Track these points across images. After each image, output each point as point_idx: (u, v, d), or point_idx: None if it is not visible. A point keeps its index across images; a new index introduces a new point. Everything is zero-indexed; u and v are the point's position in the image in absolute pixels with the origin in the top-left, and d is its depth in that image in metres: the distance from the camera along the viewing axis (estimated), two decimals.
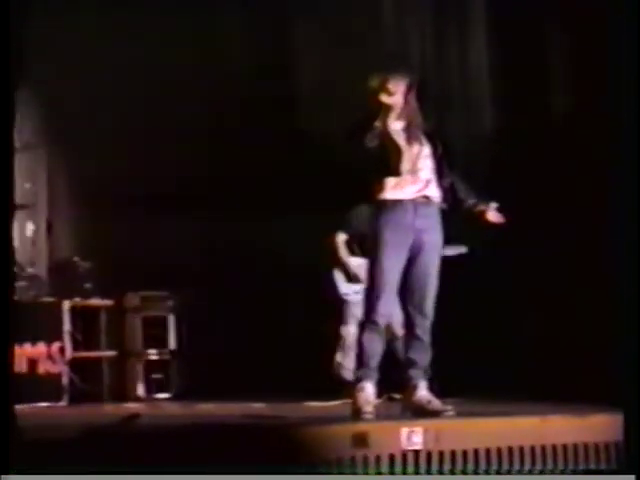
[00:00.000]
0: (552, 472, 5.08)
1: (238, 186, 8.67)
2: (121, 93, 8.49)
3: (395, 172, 5.49)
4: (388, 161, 5.48)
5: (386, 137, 5.51)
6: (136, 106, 8.51)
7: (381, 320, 5.53)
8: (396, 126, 5.57)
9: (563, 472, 5.09)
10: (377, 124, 5.49)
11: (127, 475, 4.19)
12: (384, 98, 5.53)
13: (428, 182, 5.57)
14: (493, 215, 5.72)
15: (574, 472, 5.10)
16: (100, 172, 8.40)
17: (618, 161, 5.19)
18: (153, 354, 8.40)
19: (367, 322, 5.57)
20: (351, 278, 7.33)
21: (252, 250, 8.65)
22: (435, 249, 5.58)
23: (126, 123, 8.52)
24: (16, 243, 8.05)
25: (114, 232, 8.27)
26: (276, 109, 8.89)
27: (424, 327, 5.56)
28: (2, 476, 3.84)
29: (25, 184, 8.38)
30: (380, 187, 5.52)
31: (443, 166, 5.60)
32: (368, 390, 5.54)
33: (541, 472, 5.07)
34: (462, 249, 6.85)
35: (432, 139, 5.62)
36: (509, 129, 8.12)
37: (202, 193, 8.58)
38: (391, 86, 5.52)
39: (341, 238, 7.37)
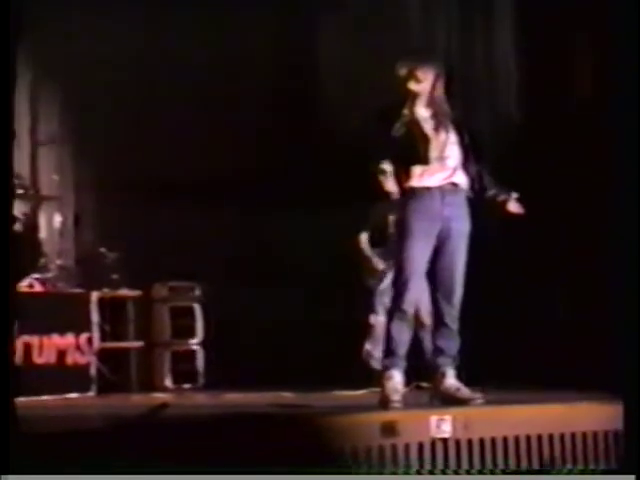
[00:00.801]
0: (552, 472, 5.06)
1: (264, 178, 8.67)
2: (145, 86, 8.51)
3: (423, 160, 5.48)
4: (416, 149, 5.47)
5: (414, 125, 5.50)
6: (161, 99, 8.53)
7: (409, 308, 5.52)
8: (423, 114, 5.56)
9: (563, 472, 5.06)
10: (405, 112, 5.49)
11: (127, 475, 4.17)
12: (412, 85, 5.52)
13: (455, 170, 5.55)
14: (514, 206, 5.70)
15: (574, 472, 5.07)
16: (125, 164, 8.42)
17: None
18: (181, 344, 8.41)
19: (395, 310, 5.56)
20: (372, 270, 7.37)
21: (280, 240, 8.66)
22: (462, 237, 5.56)
23: (151, 115, 8.55)
24: (44, 235, 8.10)
25: (141, 223, 8.29)
26: (299, 106, 8.90)
27: (452, 315, 5.55)
28: (2, 476, 3.83)
29: (52, 176, 8.41)
30: (407, 175, 5.51)
31: (469, 155, 5.59)
32: (396, 379, 5.52)
33: (541, 472, 5.04)
34: None
35: (459, 128, 5.60)
36: (535, 120, 8.08)
37: (228, 185, 8.58)
38: (419, 74, 5.51)
39: (364, 237, 7.44)
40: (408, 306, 5.52)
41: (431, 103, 5.57)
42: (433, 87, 5.56)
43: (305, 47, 9.17)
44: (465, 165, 5.58)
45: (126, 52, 8.52)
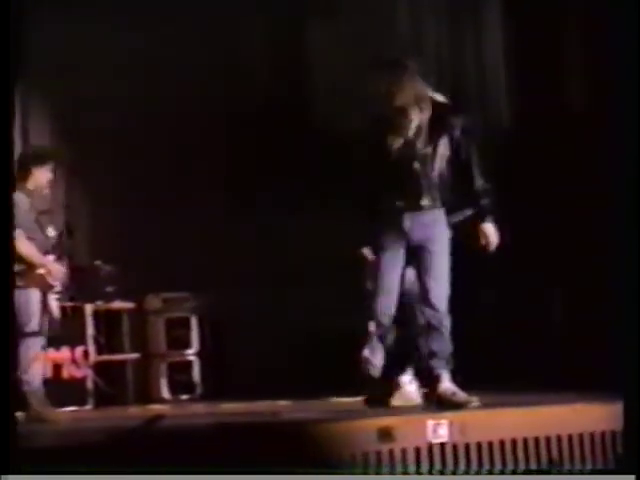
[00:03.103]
0: (552, 472, 5.06)
1: (256, 185, 8.67)
2: (135, 96, 8.51)
3: (398, 133, 5.50)
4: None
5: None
6: (152, 108, 8.53)
7: (385, 319, 5.66)
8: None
9: (564, 472, 5.06)
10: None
11: (128, 475, 4.15)
12: (396, 102, 5.55)
13: (429, 189, 5.58)
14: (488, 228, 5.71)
15: (574, 472, 5.07)
16: (117, 175, 8.43)
17: (634, 155, 5.16)
18: (177, 355, 8.41)
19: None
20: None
21: (274, 248, 8.65)
22: (439, 243, 5.61)
23: (141, 125, 8.55)
24: None
25: (134, 235, 8.29)
26: (291, 109, 8.90)
27: (437, 318, 5.59)
28: (2, 476, 3.83)
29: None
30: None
31: (451, 167, 5.62)
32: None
33: (539, 472, 5.04)
34: (467, 212, 6.88)
35: (451, 139, 5.62)
36: (525, 122, 8.09)
37: (220, 193, 8.59)
38: (396, 90, 5.53)
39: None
40: (383, 317, 5.69)
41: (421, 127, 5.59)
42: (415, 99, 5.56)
43: (300, 51, 9.16)
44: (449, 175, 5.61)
45: (117, 65, 8.53)
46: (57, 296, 6.77)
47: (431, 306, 5.60)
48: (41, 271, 6.57)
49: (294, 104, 8.95)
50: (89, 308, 7.86)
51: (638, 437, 4.69)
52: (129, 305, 8.30)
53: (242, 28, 8.87)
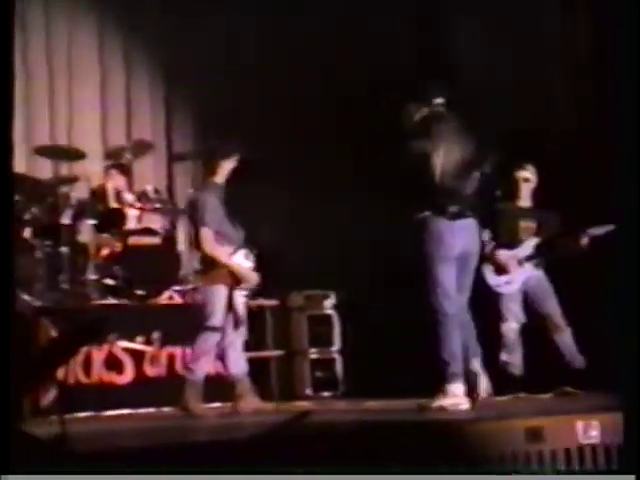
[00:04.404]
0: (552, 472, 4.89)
1: (393, 187, 8.63)
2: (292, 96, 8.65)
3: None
4: None
5: None
6: (299, 110, 8.63)
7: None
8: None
9: (563, 472, 4.87)
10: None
11: (128, 475, 4.15)
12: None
13: None
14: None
15: (574, 472, 4.88)
16: (261, 175, 8.52)
17: None
18: (319, 352, 8.45)
19: None
20: (499, 269, 7.25)
21: (413, 249, 8.59)
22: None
23: (284, 124, 8.65)
24: (182, 247, 8.26)
25: (278, 233, 8.36)
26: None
27: None
28: (2, 476, 3.85)
29: (188, 190, 8.56)
30: None
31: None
32: None
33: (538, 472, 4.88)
34: (609, 227, 6.76)
35: None
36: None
37: (364, 193, 8.58)
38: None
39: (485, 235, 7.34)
40: None
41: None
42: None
43: (444, 53, 9.09)
44: None
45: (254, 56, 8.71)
46: (245, 293, 6.74)
47: None
48: (225, 269, 6.58)
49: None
50: None
51: (638, 438, 4.53)
52: (273, 302, 8.38)
53: (386, 28, 8.85)
